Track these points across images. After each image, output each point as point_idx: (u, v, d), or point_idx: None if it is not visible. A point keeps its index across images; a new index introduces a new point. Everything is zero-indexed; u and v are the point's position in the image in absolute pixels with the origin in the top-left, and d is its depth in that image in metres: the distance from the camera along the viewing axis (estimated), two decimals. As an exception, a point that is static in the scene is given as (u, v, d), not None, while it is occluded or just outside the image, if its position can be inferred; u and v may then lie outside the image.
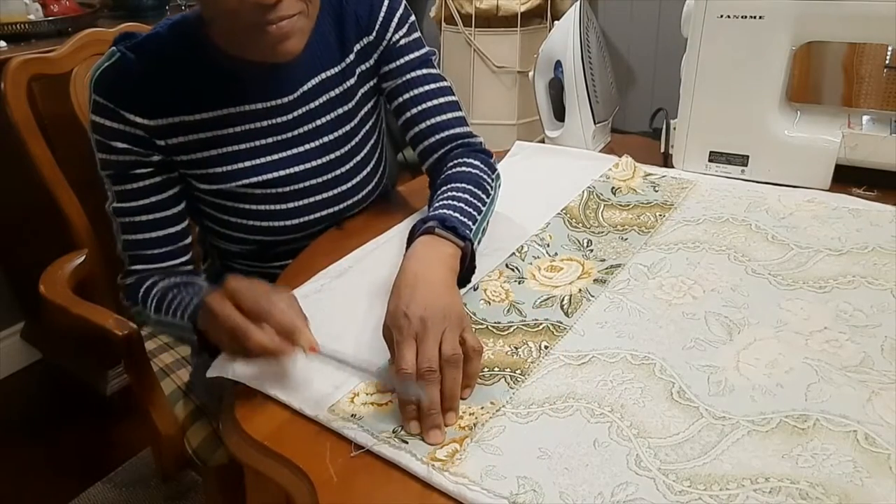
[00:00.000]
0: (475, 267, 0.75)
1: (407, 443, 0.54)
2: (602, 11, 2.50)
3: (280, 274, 0.85)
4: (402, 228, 0.91)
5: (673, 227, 0.87)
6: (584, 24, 1.12)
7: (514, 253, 0.81)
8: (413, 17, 0.93)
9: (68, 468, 1.60)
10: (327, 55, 0.87)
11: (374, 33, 0.89)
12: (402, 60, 0.91)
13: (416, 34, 0.92)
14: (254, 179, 0.85)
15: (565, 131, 1.18)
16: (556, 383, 0.61)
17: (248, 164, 0.85)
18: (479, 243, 0.79)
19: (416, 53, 0.91)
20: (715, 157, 1.03)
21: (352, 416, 0.58)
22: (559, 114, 1.19)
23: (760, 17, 0.93)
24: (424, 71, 0.91)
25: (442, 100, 0.92)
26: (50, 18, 1.61)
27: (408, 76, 0.91)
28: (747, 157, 1.01)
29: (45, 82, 1.07)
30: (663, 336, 0.66)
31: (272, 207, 0.88)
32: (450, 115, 0.92)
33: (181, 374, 1.05)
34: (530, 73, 1.22)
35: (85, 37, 1.08)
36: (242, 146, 0.84)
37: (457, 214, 0.76)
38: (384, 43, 0.90)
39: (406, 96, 0.91)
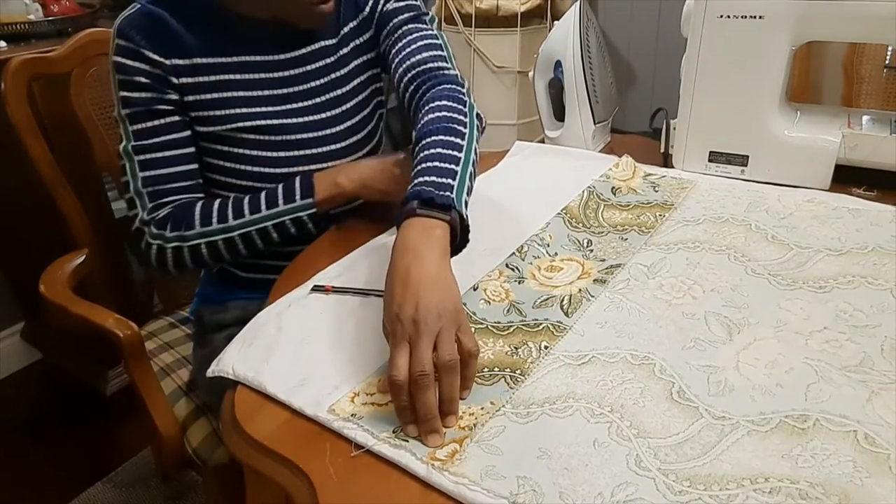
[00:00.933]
0: (468, 228, 0.70)
1: (407, 442, 0.54)
2: (602, 11, 2.50)
3: (275, 263, 0.90)
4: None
5: (673, 227, 0.87)
6: (584, 24, 1.12)
7: (514, 253, 0.81)
8: None
9: (68, 468, 1.60)
10: (326, 27, 0.95)
11: (367, 8, 0.97)
12: (391, 23, 0.96)
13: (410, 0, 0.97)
14: (247, 124, 0.91)
15: (565, 131, 1.18)
16: (555, 383, 0.61)
17: (244, 110, 0.91)
18: (468, 194, 0.74)
19: (405, 14, 0.96)
20: (715, 157, 1.03)
21: (352, 415, 0.58)
22: (559, 114, 1.19)
23: (760, 17, 0.93)
24: (411, 26, 0.95)
25: (421, 43, 0.93)
26: (50, 18, 1.61)
27: (395, 34, 0.96)
28: (747, 157, 1.01)
29: (45, 82, 1.07)
30: (663, 336, 0.66)
31: (262, 154, 0.92)
32: (425, 54, 0.92)
33: (181, 374, 1.05)
34: (530, 73, 1.22)
35: (85, 37, 1.09)
36: (240, 93, 0.91)
37: (433, 178, 0.72)
38: (376, 14, 0.97)
39: (393, 51, 0.95)
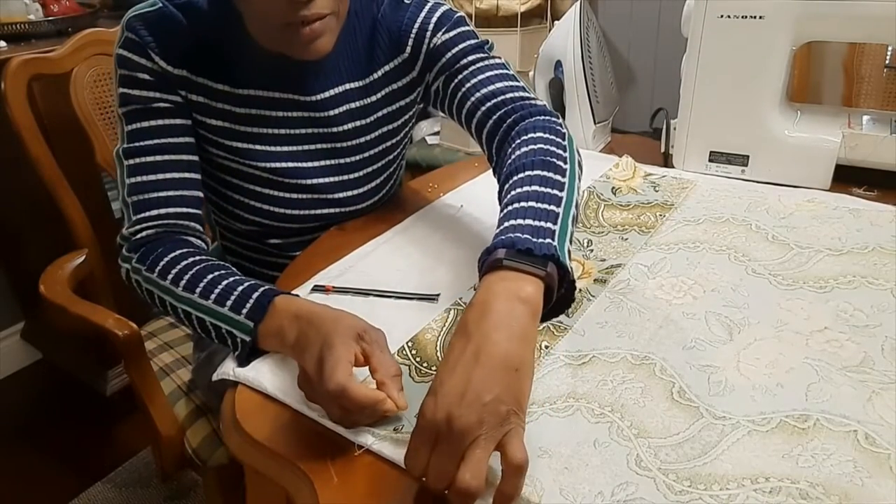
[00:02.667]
0: (574, 282, 0.58)
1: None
2: (602, 11, 2.50)
3: (279, 275, 0.85)
4: (402, 228, 0.91)
5: (673, 227, 0.87)
6: (584, 24, 1.12)
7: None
8: (459, 15, 0.87)
9: (68, 468, 1.60)
10: (354, 68, 0.86)
11: (408, 49, 0.86)
12: (447, 56, 0.85)
13: (462, 28, 0.86)
14: (260, 164, 0.85)
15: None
16: (556, 383, 0.61)
17: (258, 147, 0.85)
18: (570, 242, 0.62)
19: (464, 44, 0.85)
20: (715, 157, 1.03)
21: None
22: (559, 114, 1.19)
23: (760, 17, 0.93)
24: (474, 56, 0.85)
25: (492, 73, 0.84)
26: (50, 18, 1.61)
27: (455, 66, 0.85)
28: (747, 157, 1.01)
29: (45, 82, 1.07)
30: (663, 336, 0.66)
31: (274, 193, 0.87)
32: (500, 84, 0.83)
33: (181, 373, 1.05)
34: (530, 73, 1.22)
35: (85, 37, 1.09)
36: (254, 129, 0.84)
37: (529, 222, 0.60)
38: (422, 52, 0.86)
39: (455, 84, 0.85)
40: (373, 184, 0.94)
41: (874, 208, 0.88)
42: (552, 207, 0.62)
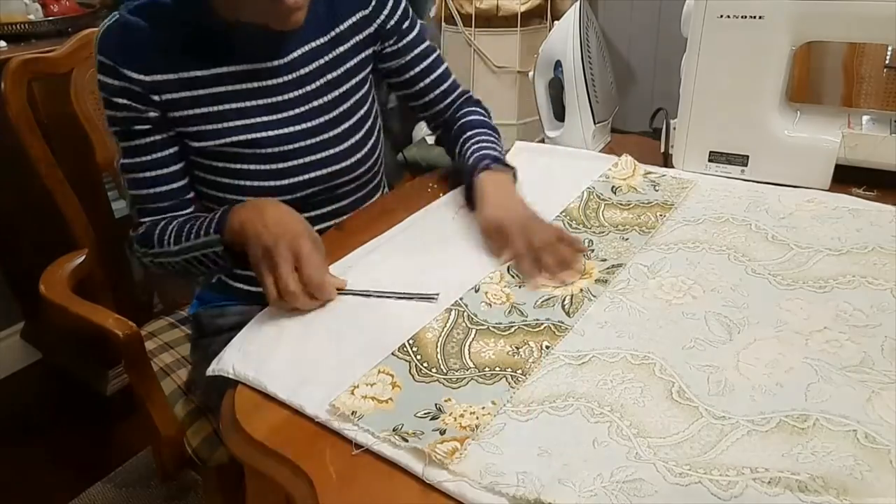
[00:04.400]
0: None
1: (407, 441, 0.54)
2: (602, 11, 2.50)
3: None
4: (402, 228, 0.91)
5: (673, 227, 0.87)
6: (584, 24, 1.12)
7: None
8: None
9: (68, 468, 1.60)
10: (315, 25, 0.91)
11: (369, 8, 0.95)
12: (406, 39, 1.00)
13: (409, 12, 1.01)
14: (243, 138, 0.89)
15: (565, 131, 1.18)
16: (556, 382, 0.61)
17: (238, 122, 0.88)
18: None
19: (412, 33, 1.01)
20: (715, 156, 1.03)
21: (352, 413, 0.58)
22: (559, 114, 1.19)
23: (760, 17, 0.93)
24: (424, 45, 1.02)
25: (443, 68, 1.05)
26: (50, 18, 1.61)
27: (414, 52, 1.01)
28: (747, 157, 1.01)
29: (45, 82, 1.07)
30: (663, 336, 0.66)
31: (262, 167, 0.91)
32: (451, 80, 1.07)
33: (181, 373, 1.05)
34: (530, 73, 1.22)
35: (85, 37, 1.09)
36: (233, 105, 0.88)
37: (494, 151, 0.95)
38: (379, 20, 0.96)
39: (416, 69, 1.02)
40: (354, 139, 0.97)
41: (874, 208, 0.88)
42: (499, 147, 1.00)
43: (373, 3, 0.95)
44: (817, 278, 0.74)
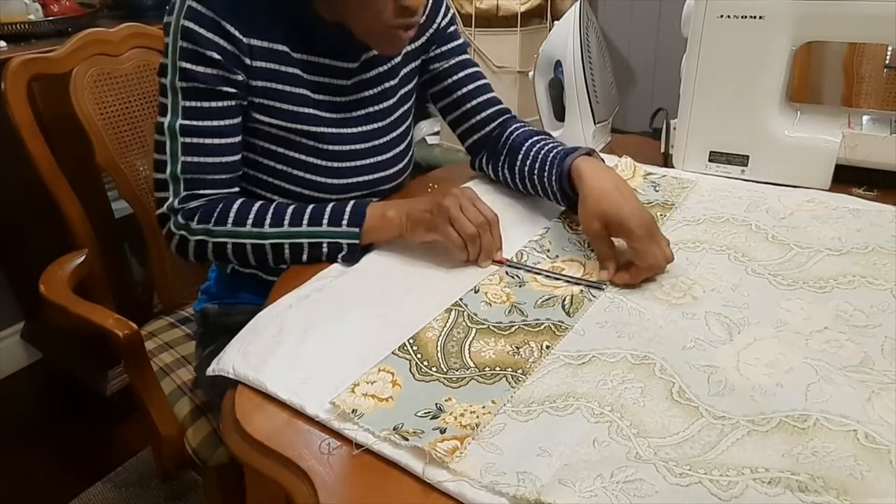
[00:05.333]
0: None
1: (407, 440, 0.54)
2: (602, 11, 2.50)
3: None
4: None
5: (673, 227, 0.87)
6: (584, 24, 1.12)
7: (511, 258, 0.81)
8: (453, 8, 1.01)
9: (68, 468, 1.60)
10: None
11: (424, 16, 0.95)
12: (452, 44, 1.00)
13: (455, 18, 1.03)
14: (309, 128, 0.88)
15: (565, 131, 1.18)
16: (556, 382, 0.61)
17: (309, 111, 0.88)
18: None
19: (460, 40, 1.02)
20: (715, 157, 1.03)
21: (353, 411, 0.58)
22: (559, 114, 1.19)
23: (760, 17, 0.93)
24: (467, 55, 1.02)
25: (485, 80, 1.03)
26: (50, 18, 1.61)
27: (458, 58, 1.01)
28: (747, 157, 1.01)
29: (45, 82, 1.07)
30: (663, 336, 0.66)
31: (320, 162, 0.90)
32: (493, 93, 1.03)
33: (181, 373, 1.05)
34: (530, 73, 1.22)
35: (85, 37, 1.08)
36: (308, 92, 0.88)
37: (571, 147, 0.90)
38: (434, 26, 0.98)
39: (459, 75, 1.01)
40: (398, 149, 0.98)
41: (874, 208, 0.88)
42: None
43: (427, 13, 0.96)
44: (817, 278, 0.74)
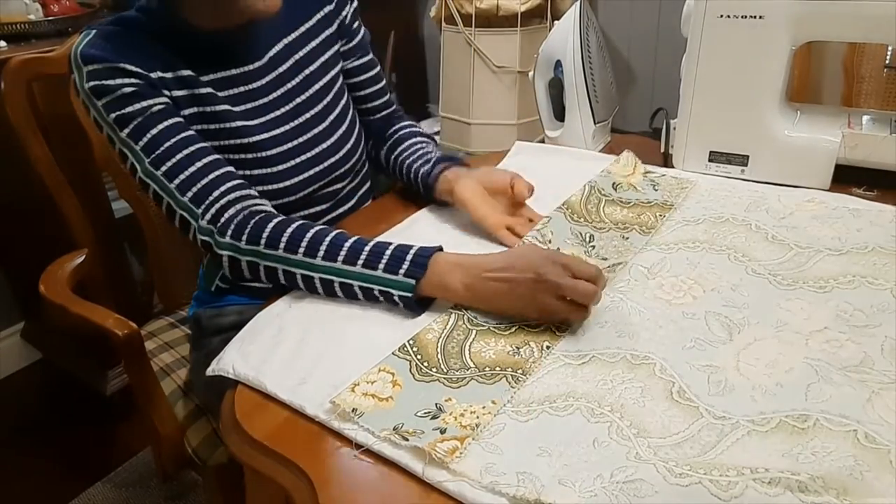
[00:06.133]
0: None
1: (407, 440, 0.54)
2: (602, 11, 2.50)
3: None
4: (401, 229, 0.91)
5: (673, 227, 0.87)
6: (584, 24, 1.12)
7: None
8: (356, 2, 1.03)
9: (68, 468, 1.60)
10: (286, 20, 0.92)
11: (333, 3, 0.97)
12: (356, 40, 1.02)
13: (359, 15, 1.03)
14: (243, 141, 0.87)
15: (565, 131, 1.18)
16: (556, 382, 0.61)
17: (234, 124, 0.87)
18: None
19: (363, 35, 1.03)
20: (715, 156, 1.03)
21: (353, 410, 0.58)
22: (559, 114, 1.19)
23: (760, 17, 0.93)
24: (370, 54, 1.05)
25: (384, 81, 1.08)
26: (50, 18, 1.61)
27: (365, 58, 1.03)
28: (747, 157, 1.01)
29: (45, 82, 1.07)
30: (663, 336, 0.66)
31: (262, 171, 0.89)
32: (389, 93, 1.09)
33: (181, 373, 1.05)
34: (530, 73, 1.22)
35: (85, 37, 1.08)
36: (227, 107, 0.87)
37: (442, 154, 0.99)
38: (340, 16, 0.98)
39: (366, 75, 1.04)
40: (340, 131, 0.97)
41: (874, 208, 0.88)
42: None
43: (336, 0, 0.97)
44: (817, 278, 0.74)
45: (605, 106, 1.18)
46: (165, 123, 0.81)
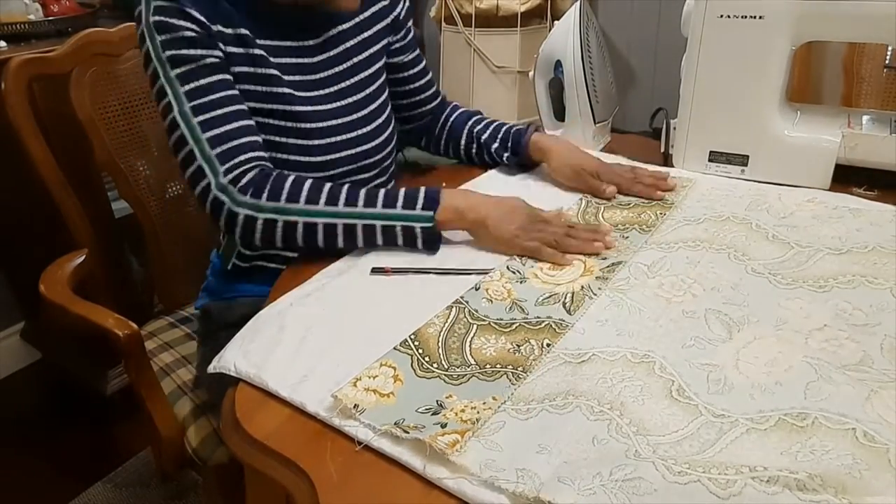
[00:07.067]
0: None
1: (408, 433, 0.54)
2: (602, 11, 2.50)
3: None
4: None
5: (673, 226, 0.87)
6: (584, 24, 1.12)
7: (513, 255, 0.81)
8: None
9: (68, 468, 1.60)
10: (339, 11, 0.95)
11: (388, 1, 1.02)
12: (409, 38, 1.06)
13: (412, 14, 1.08)
14: (285, 107, 0.89)
15: (565, 131, 1.18)
16: (556, 380, 0.61)
17: (283, 90, 0.89)
18: None
19: (413, 33, 1.07)
20: (715, 156, 1.03)
21: (355, 406, 0.58)
22: (559, 114, 1.19)
23: (760, 17, 0.93)
24: (418, 50, 1.09)
25: (430, 74, 1.12)
26: (50, 18, 1.61)
27: (414, 53, 1.08)
28: (747, 156, 1.01)
29: (45, 82, 1.07)
30: (663, 334, 0.66)
31: (300, 142, 0.91)
32: (436, 86, 1.15)
33: (181, 373, 1.05)
34: (530, 73, 1.22)
35: (85, 37, 1.08)
36: (279, 73, 0.89)
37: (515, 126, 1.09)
38: (395, 12, 1.02)
39: (416, 69, 1.09)
40: (378, 121, 1.00)
41: (874, 208, 0.88)
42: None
43: None
44: (817, 277, 0.74)
45: (605, 106, 1.18)
46: (215, 77, 0.83)
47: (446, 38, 2.43)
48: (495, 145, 1.09)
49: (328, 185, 0.83)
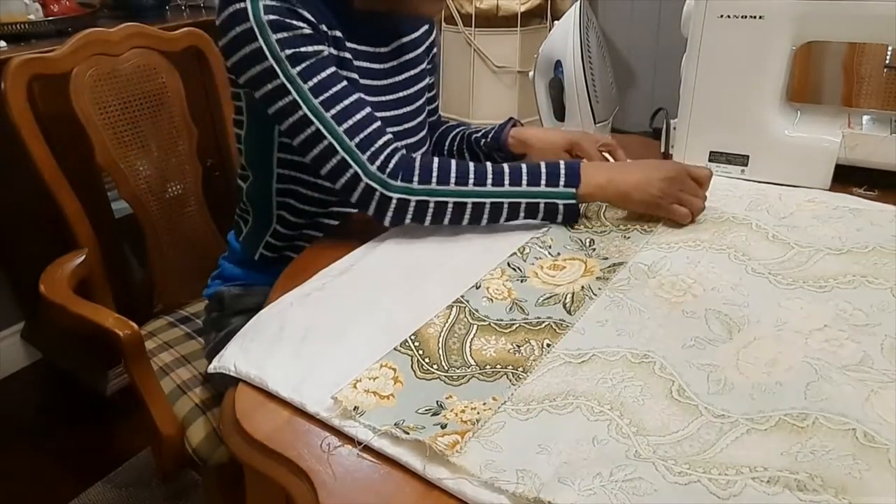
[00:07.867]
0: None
1: (408, 434, 0.54)
2: (602, 11, 2.50)
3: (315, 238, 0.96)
4: (401, 229, 0.91)
5: (673, 226, 0.87)
6: (584, 24, 1.12)
7: (515, 253, 0.81)
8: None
9: (68, 468, 1.60)
10: (408, 23, 1.00)
11: (429, 24, 1.06)
12: (433, 63, 1.09)
13: (437, 41, 1.11)
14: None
15: (565, 131, 1.18)
16: (556, 381, 0.61)
17: (360, 95, 0.88)
18: None
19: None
20: (715, 157, 1.03)
21: (354, 408, 0.58)
22: (559, 114, 1.19)
23: (760, 17, 0.93)
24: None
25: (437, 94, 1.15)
26: (50, 18, 1.61)
27: (432, 77, 1.09)
28: (747, 156, 1.01)
29: (45, 82, 1.07)
30: (663, 334, 0.66)
31: None
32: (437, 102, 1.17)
33: (181, 373, 1.05)
34: (530, 73, 1.22)
35: (85, 37, 1.09)
36: (357, 77, 0.92)
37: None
38: (432, 36, 1.07)
39: (433, 92, 1.12)
40: (420, 134, 1.03)
41: (874, 208, 0.88)
42: None
43: (431, 22, 1.06)
44: (817, 277, 0.74)
45: (605, 106, 1.18)
46: (333, 70, 0.84)
47: (446, 38, 2.43)
48: (483, 140, 1.10)
49: (472, 165, 0.84)
